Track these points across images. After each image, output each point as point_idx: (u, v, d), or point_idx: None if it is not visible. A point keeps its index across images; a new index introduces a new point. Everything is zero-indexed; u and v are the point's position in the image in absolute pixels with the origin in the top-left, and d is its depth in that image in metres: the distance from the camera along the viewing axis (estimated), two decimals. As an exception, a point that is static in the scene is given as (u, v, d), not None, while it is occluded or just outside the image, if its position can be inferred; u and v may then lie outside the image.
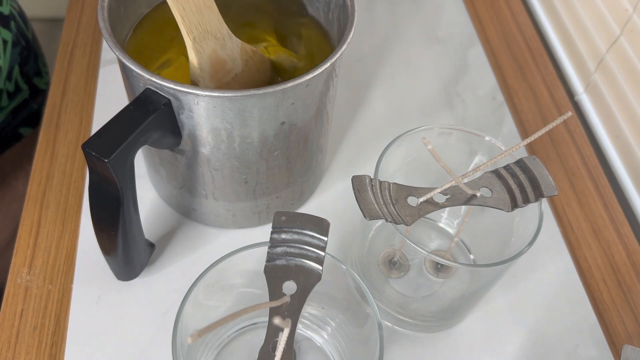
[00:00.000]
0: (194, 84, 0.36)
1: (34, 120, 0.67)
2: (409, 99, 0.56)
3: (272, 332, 0.32)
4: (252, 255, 0.33)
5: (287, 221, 0.32)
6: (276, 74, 0.41)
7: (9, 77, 0.60)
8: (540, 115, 0.56)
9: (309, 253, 0.31)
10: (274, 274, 0.31)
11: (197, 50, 0.35)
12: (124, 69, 0.36)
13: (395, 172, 0.40)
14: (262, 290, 0.31)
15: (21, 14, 0.64)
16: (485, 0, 0.66)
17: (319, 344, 0.39)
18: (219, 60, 0.36)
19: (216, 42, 0.35)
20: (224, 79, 0.37)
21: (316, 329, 0.39)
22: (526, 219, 0.36)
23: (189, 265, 0.43)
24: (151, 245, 0.42)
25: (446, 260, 0.33)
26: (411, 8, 0.64)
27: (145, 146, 0.38)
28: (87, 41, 0.58)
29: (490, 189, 0.34)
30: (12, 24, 0.61)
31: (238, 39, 0.37)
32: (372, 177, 0.34)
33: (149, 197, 0.46)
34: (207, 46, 0.35)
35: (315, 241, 0.31)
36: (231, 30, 0.41)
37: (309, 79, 0.34)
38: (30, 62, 0.64)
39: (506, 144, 0.52)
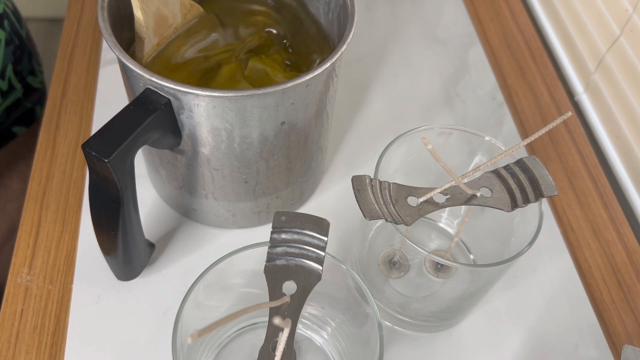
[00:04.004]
0: (140, 40, 0.38)
1: (28, 119, 0.67)
2: (409, 99, 0.56)
3: (272, 332, 0.32)
4: (252, 255, 0.33)
5: (287, 221, 0.32)
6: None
7: (2, 75, 0.60)
8: (540, 115, 0.56)
9: (309, 253, 0.31)
10: (274, 274, 0.31)
11: (143, 9, 0.37)
12: (124, 69, 0.36)
13: (395, 172, 0.40)
14: (262, 290, 0.31)
15: (15, 12, 0.64)
16: (485, 0, 0.66)
17: (319, 344, 0.39)
18: (162, 16, 0.39)
19: (160, 0, 0.38)
20: (165, 33, 0.40)
21: (316, 329, 0.39)
22: (526, 219, 0.36)
23: (189, 265, 0.43)
24: (151, 245, 0.42)
25: (446, 260, 0.33)
26: (411, 8, 0.64)
27: (145, 146, 0.38)
28: (87, 41, 0.58)
29: (490, 189, 0.34)
30: (6, 22, 0.61)
31: None
32: (372, 177, 0.34)
33: (149, 197, 0.46)
34: (152, 5, 0.37)
35: (315, 241, 0.31)
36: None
37: (309, 79, 0.34)
38: (24, 61, 0.64)
39: (506, 144, 0.52)
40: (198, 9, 0.42)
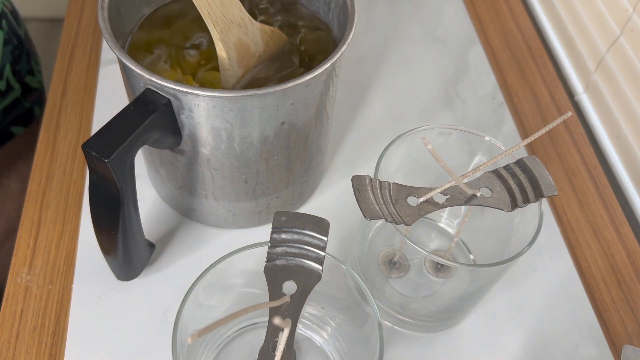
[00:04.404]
0: (224, 73, 0.37)
1: (26, 119, 0.67)
2: (409, 99, 0.56)
3: (272, 332, 0.32)
4: (252, 255, 0.33)
5: (287, 221, 0.32)
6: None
7: (0, 75, 0.60)
8: (540, 115, 0.56)
9: (309, 253, 0.31)
10: (274, 274, 0.31)
11: (223, 41, 0.36)
12: (124, 69, 0.36)
13: (395, 172, 0.40)
14: (262, 290, 0.31)
15: (13, 12, 0.64)
16: (485, 0, 0.66)
17: (319, 344, 0.39)
18: (244, 46, 0.37)
19: (240, 29, 0.37)
20: (250, 63, 0.39)
21: (316, 329, 0.39)
22: (526, 219, 0.36)
23: (189, 265, 0.43)
24: (151, 245, 0.42)
25: (446, 260, 0.33)
26: (411, 8, 0.64)
27: (145, 146, 0.38)
28: (87, 41, 0.58)
29: (490, 189, 0.34)
30: (4, 22, 0.61)
31: (256, 22, 0.38)
32: (372, 177, 0.34)
33: (149, 197, 0.46)
34: (232, 35, 0.36)
35: (315, 241, 0.31)
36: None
37: (309, 79, 0.34)
38: (23, 61, 0.64)
39: (506, 144, 0.52)
40: (280, 35, 0.40)
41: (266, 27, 0.39)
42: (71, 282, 0.42)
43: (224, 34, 0.35)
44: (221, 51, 0.36)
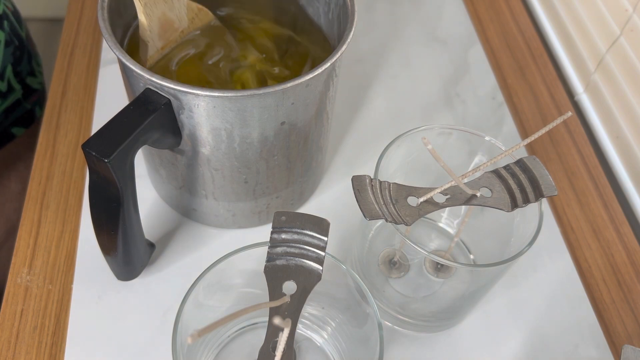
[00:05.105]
0: (144, 44, 0.38)
1: (27, 120, 0.67)
2: (409, 99, 0.56)
3: (272, 332, 0.32)
4: (252, 255, 0.33)
5: (287, 221, 0.32)
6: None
7: (1, 76, 0.60)
8: (540, 115, 0.56)
9: (309, 253, 0.31)
10: (274, 274, 0.31)
11: (147, 14, 0.36)
12: (124, 69, 0.36)
13: (395, 172, 0.40)
14: (262, 290, 0.31)
15: (15, 13, 0.64)
16: (485, 0, 0.66)
17: (319, 344, 0.39)
18: (167, 20, 0.38)
19: (165, 4, 0.37)
20: (171, 37, 0.39)
21: (316, 329, 0.39)
22: (526, 219, 0.36)
23: (189, 265, 0.43)
24: (151, 245, 0.42)
25: (446, 260, 0.33)
26: (411, 8, 0.64)
27: (145, 146, 0.38)
28: (87, 41, 0.58)
29: (490, 189, 0.34)
30: (5, 23, 0.61)
31: None
32: (372, 177, 0.34)
33: (149, 197, 0.46)
34: (156, 9, 0.37)
35: (315, 241, 0.31)
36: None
37: (309, 79, 0.34)
38: (24, 62, 0.64)
39: (506, 144, 0.52)
40: (207, 13, 0.41)
41: (193, 4, 0.39)
42: (71, 282, 0.42)
43: (148, 7, 0.36)
44: (143, 23, 0.37)
